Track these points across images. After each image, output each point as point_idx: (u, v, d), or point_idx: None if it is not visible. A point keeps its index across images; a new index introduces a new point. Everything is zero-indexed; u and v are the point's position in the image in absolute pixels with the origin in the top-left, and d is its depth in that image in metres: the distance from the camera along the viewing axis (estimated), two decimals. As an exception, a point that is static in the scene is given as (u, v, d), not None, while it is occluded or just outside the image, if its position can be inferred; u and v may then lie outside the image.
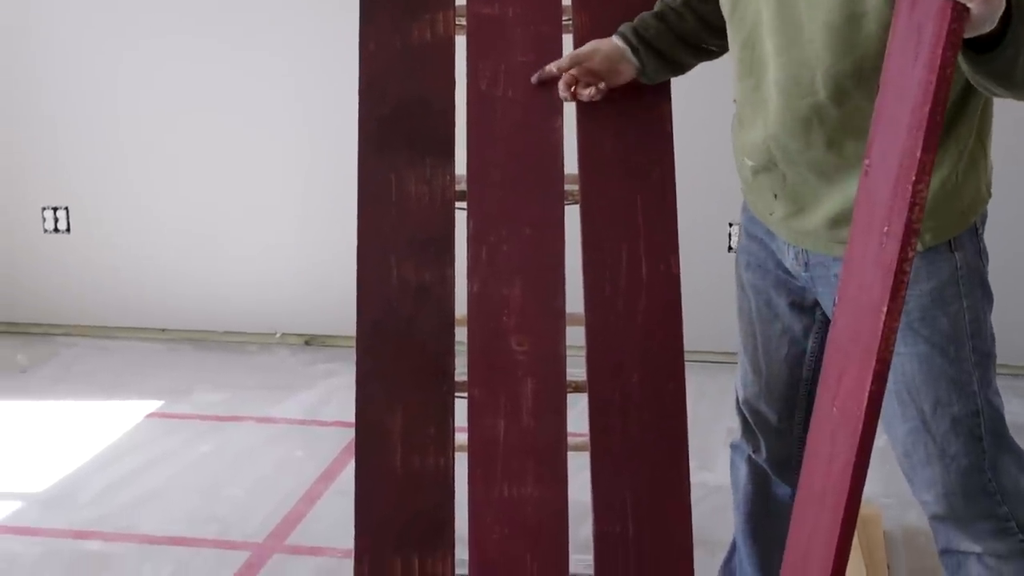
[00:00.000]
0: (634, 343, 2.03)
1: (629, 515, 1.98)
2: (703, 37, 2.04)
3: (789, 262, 1.97)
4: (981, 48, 1.53)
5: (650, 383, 2.02)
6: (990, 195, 1.89)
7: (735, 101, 1.95)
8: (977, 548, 1.89)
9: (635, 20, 2.06)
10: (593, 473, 2.00)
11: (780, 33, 1.78)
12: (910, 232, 1.37)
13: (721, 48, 2.04)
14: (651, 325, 2.04)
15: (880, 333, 1.38)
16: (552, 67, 2.08)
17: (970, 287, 1.84)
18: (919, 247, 1.80)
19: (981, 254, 1.87)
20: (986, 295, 1.87)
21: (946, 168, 1.78)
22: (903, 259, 1.37)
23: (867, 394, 1.40)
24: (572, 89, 2.05)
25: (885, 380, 1.41)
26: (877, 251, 1.42)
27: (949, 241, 1.83)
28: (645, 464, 2.00)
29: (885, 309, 1.38)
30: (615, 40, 2.05)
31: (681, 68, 2.10)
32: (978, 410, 1.85)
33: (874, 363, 1.39)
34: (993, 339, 1.88)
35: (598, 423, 2.02)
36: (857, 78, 1.72)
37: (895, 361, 1.85)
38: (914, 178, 1.36)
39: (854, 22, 1.69)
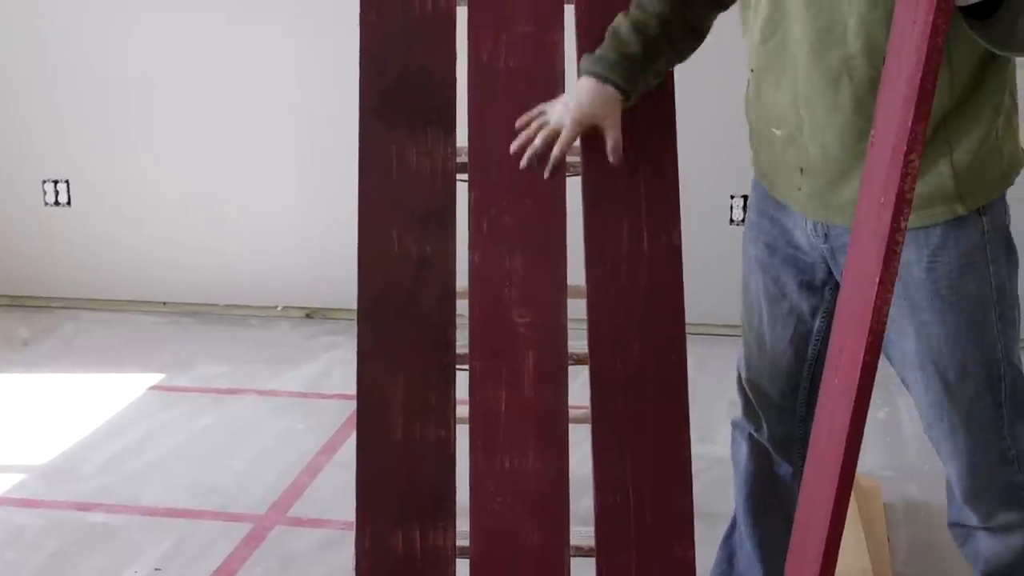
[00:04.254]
0: (635, 315, 2.03)
1: (630, 487, 1.99)
2: (687, 47, 2.02)
3: (803, 236, 1.93)
4: (979, 14, 1.54)
5: (651, 355, 2.02)
6: None
7: (752, 71, 1.91)
8: (988, 519, 1.88)
9: (622, 58, 1.96)
10: (594, 445, 2.01)
11: None
12: (902, 202, 1.36)
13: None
14: (652, 297, 2.03)
15: (872, 304, 1.38)
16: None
17: (996, 250, 1.82)
18: (948, 216, 1.78)
19: (1006, 211, 1.85)
20: (1011, 258, 1.85)
21: (984, 126, 1.75)
22: (895, 229, 1.37)
23: (860, 365, 1.40)
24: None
25: (878, 351, 1.40)
26: (875, 222, 1.42)
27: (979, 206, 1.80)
28: (646, 436, 2.00)
29: (878, 280, 1.38)
30: (608, 90, 1.97)
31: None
32: (1000, 375, 1.83)
33: (867, 334, 1.39)
34: (1018, 304, 1.86)
35: (599, 395, 2.02)
36: (889, 28, 1.64)
37: (921, 330, 1.83)
38: (905, 148, 1.35)
39: None
